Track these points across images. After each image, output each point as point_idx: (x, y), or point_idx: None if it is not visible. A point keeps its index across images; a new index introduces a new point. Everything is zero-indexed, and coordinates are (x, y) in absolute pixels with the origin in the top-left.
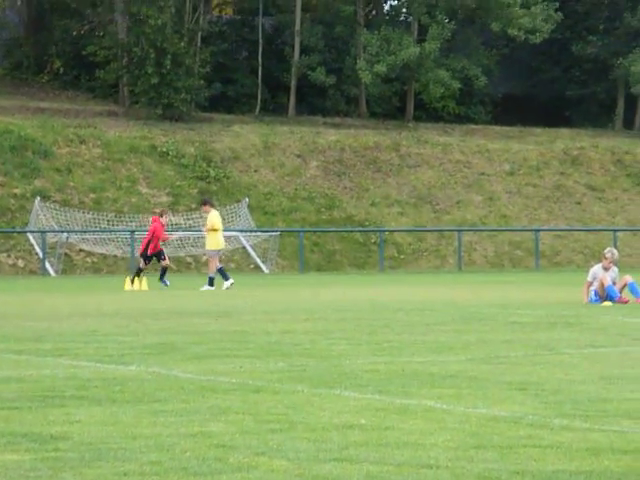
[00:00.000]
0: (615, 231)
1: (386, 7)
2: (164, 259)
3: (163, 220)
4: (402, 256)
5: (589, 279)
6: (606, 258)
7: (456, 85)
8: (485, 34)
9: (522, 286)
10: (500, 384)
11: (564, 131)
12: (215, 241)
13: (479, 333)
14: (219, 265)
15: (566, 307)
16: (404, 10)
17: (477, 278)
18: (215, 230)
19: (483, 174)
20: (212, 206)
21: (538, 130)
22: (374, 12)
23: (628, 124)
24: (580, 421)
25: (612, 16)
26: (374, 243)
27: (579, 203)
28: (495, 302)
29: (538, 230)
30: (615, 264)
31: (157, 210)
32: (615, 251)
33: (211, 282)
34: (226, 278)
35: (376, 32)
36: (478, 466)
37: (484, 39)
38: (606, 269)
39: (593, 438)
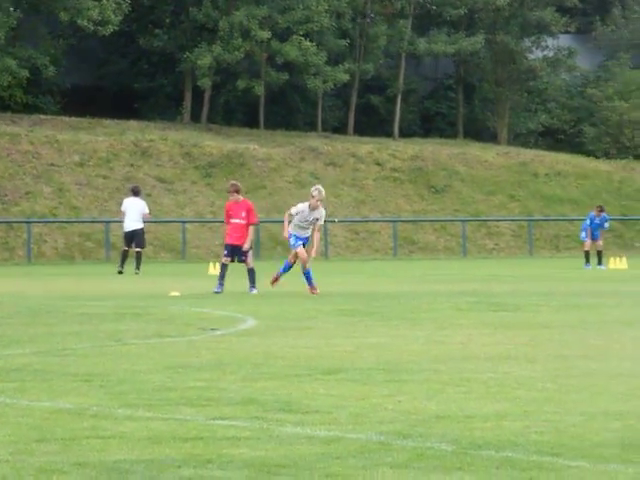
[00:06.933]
0: (184, 222)
1: None
2: None
3: None
4: None
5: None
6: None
7: (24, 74)
8: (53, 24)
9: (92, 278)
10: (65, 376)
11: (133, 123)
12: None
13: (47, 326)
14: None
15: (135, 298)
16: None
17: (47, 270)
18: None
19: (53, 165)
20: None
21: (108, 122)
22: None
23: (195, 117)
24: (144, 410)
25: (178, 10)
26: None
27: (149, 195)
28: (65, 294)
29: (109, 222)
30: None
31: None
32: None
33: None
34: None
35: None
36: (39, 459)
37: (52, 28)
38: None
39: (155, 427)
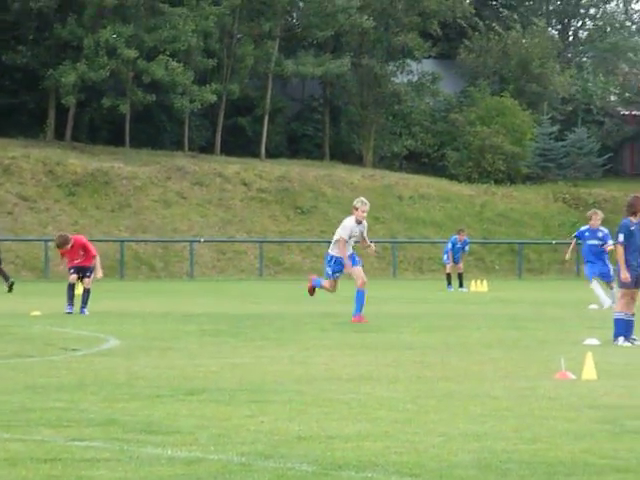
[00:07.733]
0: (46, 241)
1: None
2: None
3: None
4: None
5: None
6: None
7: None
8: None
9: None
10: None
11: None
12: None
13: None
14: None
15: None
16: None
17: None
18: None
19: None
20: None
21: None
22: None
23: (59, 135)
24: (1, 431)
25: (42, 27)
26: None
27: (11, 213)
28: None
29: None
30: None
31: None
32: None
33: None
34: None
35: None
36: None
37: None
38: None
39: (13, 448)
